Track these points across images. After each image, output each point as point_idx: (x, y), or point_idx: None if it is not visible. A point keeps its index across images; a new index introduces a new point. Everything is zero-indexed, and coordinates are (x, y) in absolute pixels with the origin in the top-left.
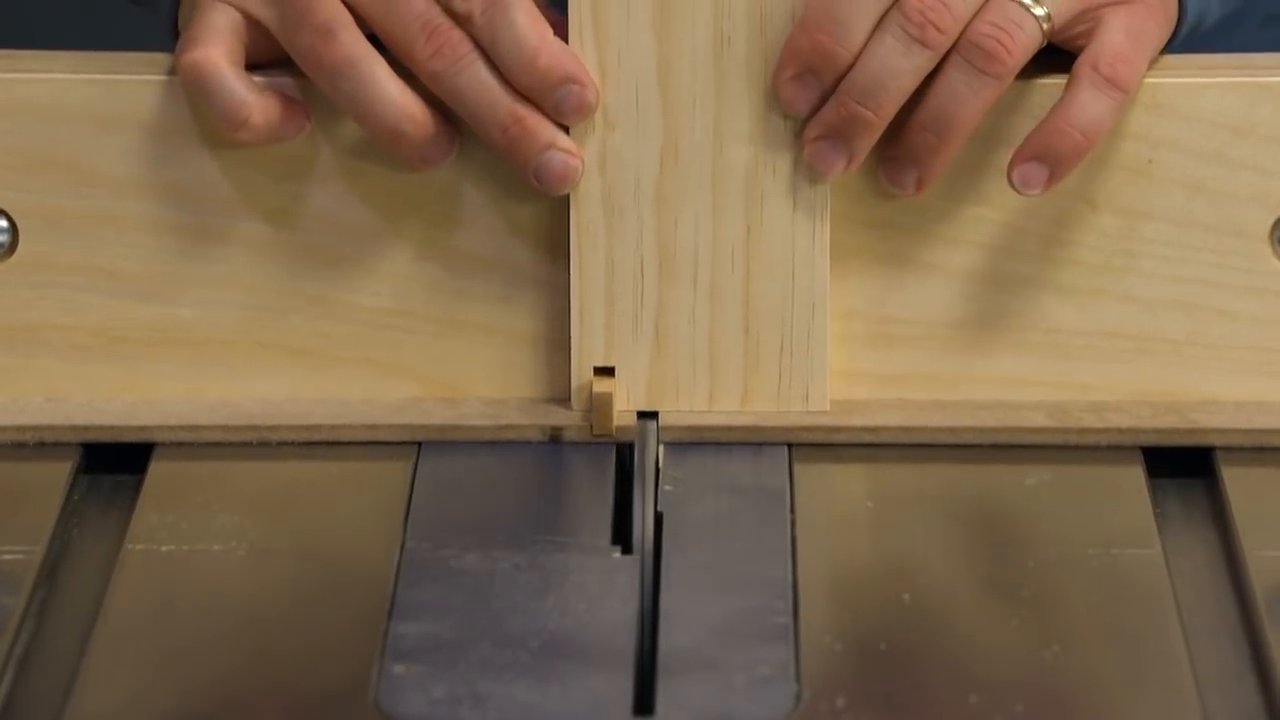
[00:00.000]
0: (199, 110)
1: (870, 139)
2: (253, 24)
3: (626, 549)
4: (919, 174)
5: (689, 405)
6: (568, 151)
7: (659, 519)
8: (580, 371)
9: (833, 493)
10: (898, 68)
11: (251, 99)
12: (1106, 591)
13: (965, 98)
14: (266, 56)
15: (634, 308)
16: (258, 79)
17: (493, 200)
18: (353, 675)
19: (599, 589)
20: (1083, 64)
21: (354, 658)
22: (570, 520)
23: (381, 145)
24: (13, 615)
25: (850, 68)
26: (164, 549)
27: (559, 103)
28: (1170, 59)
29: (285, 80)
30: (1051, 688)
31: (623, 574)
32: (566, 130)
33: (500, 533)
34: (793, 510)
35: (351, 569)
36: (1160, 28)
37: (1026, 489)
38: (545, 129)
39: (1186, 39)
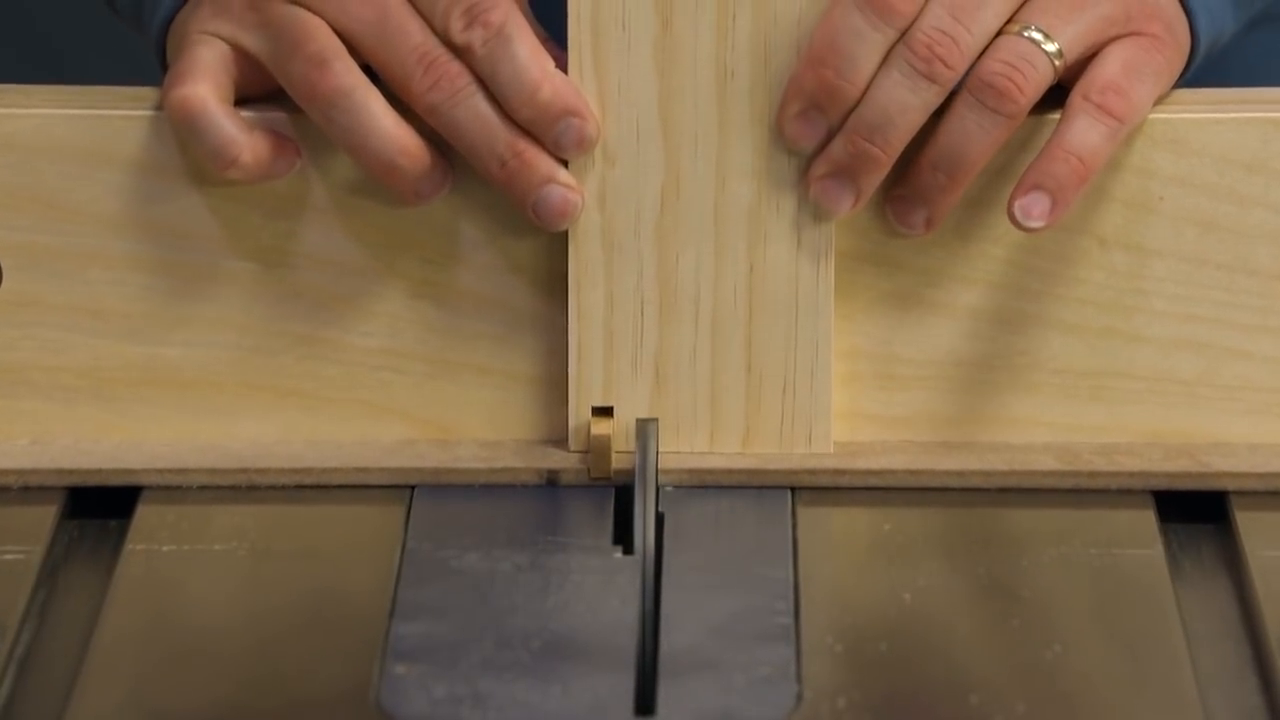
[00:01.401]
0: (187, 147)
1: (878, 176)
2: (242, 56)
3: (627, 549)
4: (929, 213)
5: (689, 446)
6: (567, 186)
7: (660, 519)
8: (578, 411)
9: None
10: (905, 103)
11: (241, 137)
12: (1106, 591)
13: (976, 137)
14: (257, 89)
15: (634, 346)
16: (247, 115)
17: (488, 237)
18: (353, 675)
19: (600, 589)
20: (1074, 94)
21: (355, 658)
22: (571, 520)
23: (375, 179)
24: (13, 616)
25: (856, 103)
26: (165, 549)
27: (559, 136)
28: (1181, 93)
29: (276, 116)
30: (1052, 688)
31: (624, 574)
32: (565, 165)
33: (501, 532)
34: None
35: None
36: (1168, 60)
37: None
38: (544, 163)
39: (1205, 55)
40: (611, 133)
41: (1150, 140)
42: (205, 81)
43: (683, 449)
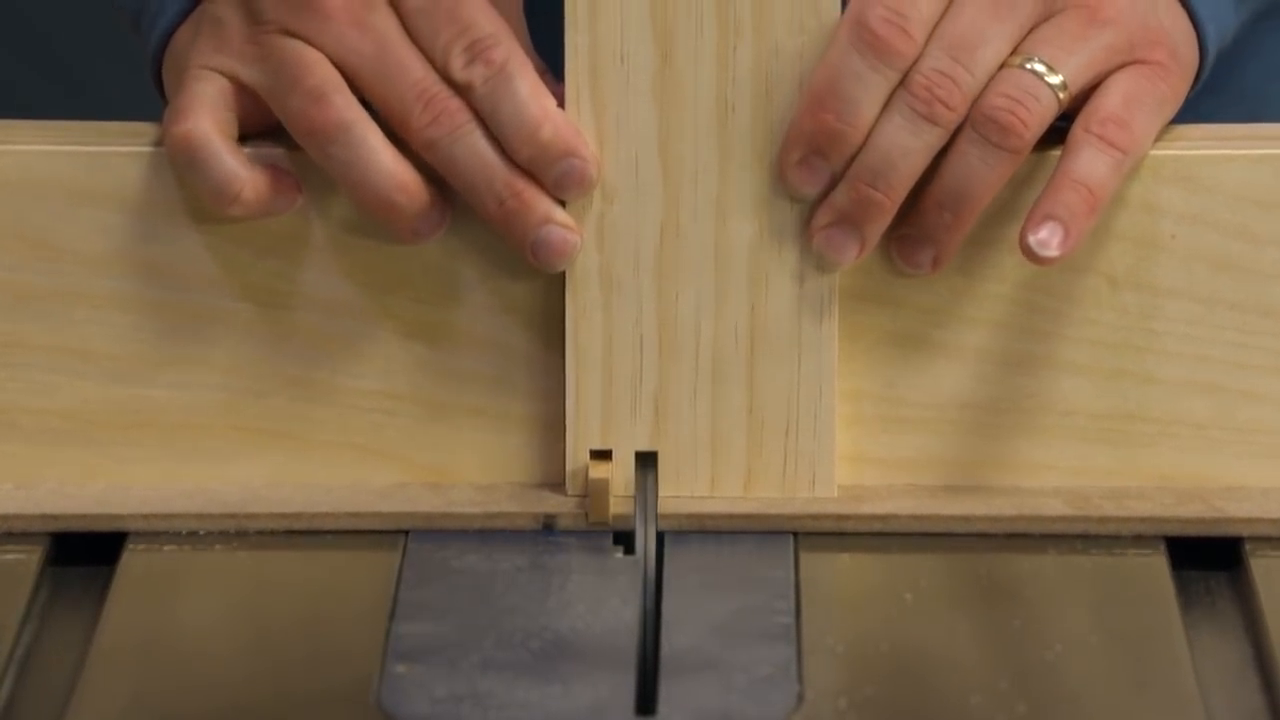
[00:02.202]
0: (178, 183)
1: (883, 223)
2: (241, 91)
3: (628, 549)
4: (935, 252)
5: (690, 490)
6: (565, 227)
7: (659, 536)
8: (576, 454)
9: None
10: (907, 147)
11: (243, 173)
12: (1107, 591)
13: (981, 173)
14: (256, 124)
15: (633, 387)
16: (247, 151)
17: (483, 278)
18: (354, 675)
19: (600, 589)
20: (1076, 126)
21: (355, 658)
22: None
23: (371, 216)
24: (14, 617)
25: (859, 148)
26: (165, 549)
27: (560, 177)
28: (1192, 129)
29: (276, 153)
30: (1053, 689)
31: (624, 574)
32: (563, 204)
33: (502, 532)
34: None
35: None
36: (1172, 88)
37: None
38: (543, 203)
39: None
40: (610, 169)
41: (1161, 178)
42: (206, 117)
43: (683, 493)
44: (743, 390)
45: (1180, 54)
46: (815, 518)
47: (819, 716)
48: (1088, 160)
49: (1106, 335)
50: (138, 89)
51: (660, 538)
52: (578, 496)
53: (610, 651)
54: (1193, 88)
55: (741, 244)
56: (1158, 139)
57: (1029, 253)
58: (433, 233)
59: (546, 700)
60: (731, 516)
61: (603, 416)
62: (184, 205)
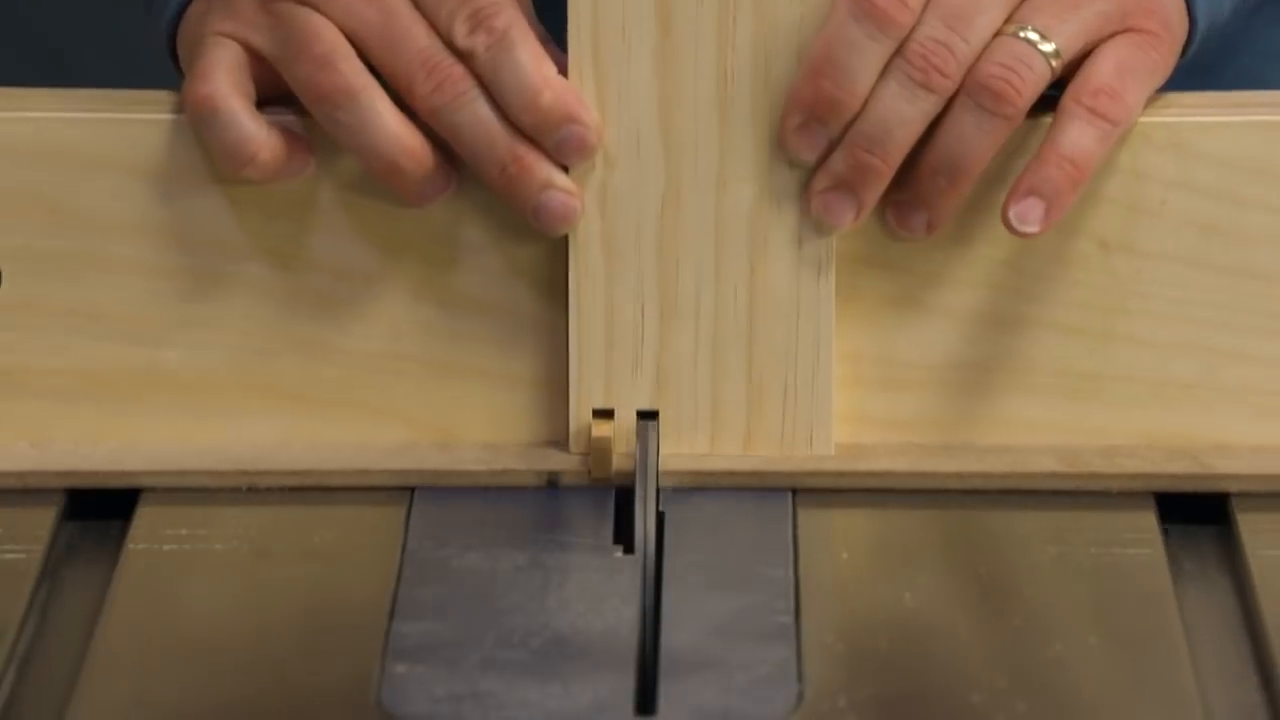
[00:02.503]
0: (191, 149)
1: (879, 187)
2: (254, 57)
3: (628, 548)
4: (929, 217)
5: (690, 449)
6: (566, 192)
7: (660, 518)
8: (579, 414)
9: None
10: (904, 114)
11: (260, 135)
12: (1106, 591)
13: (975, 140)
14: (266, 91)
15: (634, 349)
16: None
17: (490, 240)
18: (354, 675)
19: (601, 588)
20: (1066, 97)
21: (355, 657)
22: (572, 519)
23: (378, 179)
24: (14, 615)
25: (856, 115)
26: (166, 548)
27: (560, 143)
28: (1182, 96)
29: (289, 118)
30: (1053, 688)
31: (624, 573)
32: (565, 170)
33: (502, 531)
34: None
35: (353, 562)
36: (1163, 56)
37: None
38: (544, 168)
39: (1203, 40)
40: (612, 138)
41: (1151, 144)
42: (225, 80)
43: (684, 451)
44: (742, 352)
45: (1171, 23)
46: (813, 474)
47: (819, 716)
48: (1076, 133)
49: (1097, 298)
50: (129, 82)
51: (660, 521)
52: (581, 454)
53: (610, 651)
54: (1181, 58)
55: (741, 210)
56: (1147, 107)
57: (1010, 226)
58: (438, 195)
59: (546, 699)
60: (731, 474)
61: (605, 377)
62: (197, 171)
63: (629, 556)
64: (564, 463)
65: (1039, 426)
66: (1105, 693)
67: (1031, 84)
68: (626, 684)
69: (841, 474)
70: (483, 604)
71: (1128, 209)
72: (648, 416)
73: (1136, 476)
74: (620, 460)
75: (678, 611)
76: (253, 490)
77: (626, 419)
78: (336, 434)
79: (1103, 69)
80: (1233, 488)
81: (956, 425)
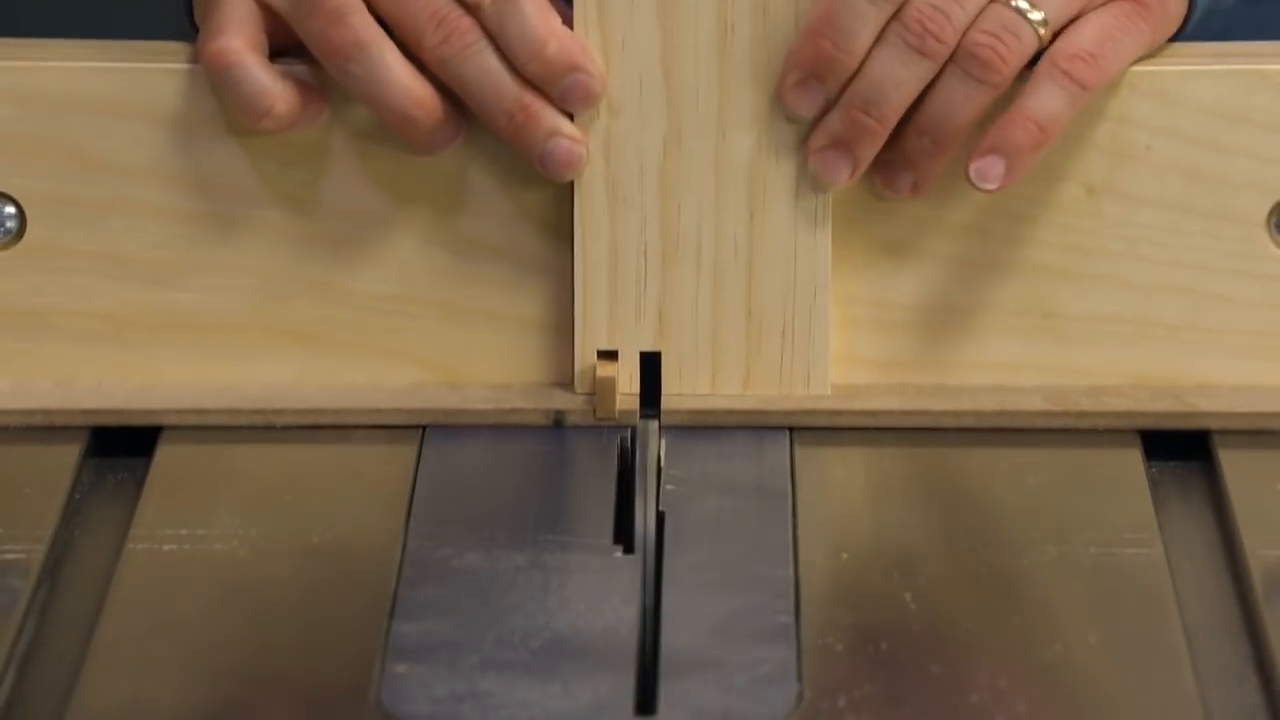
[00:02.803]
0: (210, 98)
1: (874, 147)
2: (268, 11)
3: (628, 548)
4: (915, 177)
5: (691, 389)
6: (572, 138)
7: (660, 518)
8: (584, 355)
9: (834, 477)
10: (899, 77)
11: (275, 87)
12: (1107, 591)
13: (961, 104)
14: (279, 42)
15: (637, 292)
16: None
17: (499, 186)
18: (354, 675)
19: (600, 588)
20: (1044, 59)
21: (355, 657)
22: (572, 519)
23: (390, 129)
24: (15, 613)
25: (853, 75)
26: (166, 548)
27: (565, 91)
28: (1169, 47)
29: (301, 68)
30: (1052, 688)
31: (624, 573)
32: (571, 118)
33: (502, 532)
34: (794, 493)
35: (353, 566)
36: (1151, 28)
37: (1026, 472)
38: (550, 116)
39: (1203, 22)
40: (615, 86)
41: (1137, 91)
42: (239, 34)
43: (685, 390)
44: (742, 294)
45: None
46: (810, 413)
47: (819, 716)
48: (1045, 96)
49: (1084, 241)
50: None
51: (660, 521)
52: (586, 394)
53: (610, 650)
54: (1181, 35)
55: (740, 157)
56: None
57: (971, 182)
58: (448, 144)
59: (546, 699)
60: (730, 412)
61: (609, 319)
62: (216, 119)
63: (629, 556)
64: (569, 402)
65: (1028, 367)
66: (1105, 693)
67: (1018, 52)
68: (626, 684)
69: (838, 412)
70: (483, 604)
71: (1113, 154)
72: (649, 416)
73: (1122, 415)
74: (624, 400)
75: (678, 611)
76: (269, 428)
77: (630, 359)
78: (350, 374)
79: (1084, 34)
80: (1215, 425)
81: (948, 366)
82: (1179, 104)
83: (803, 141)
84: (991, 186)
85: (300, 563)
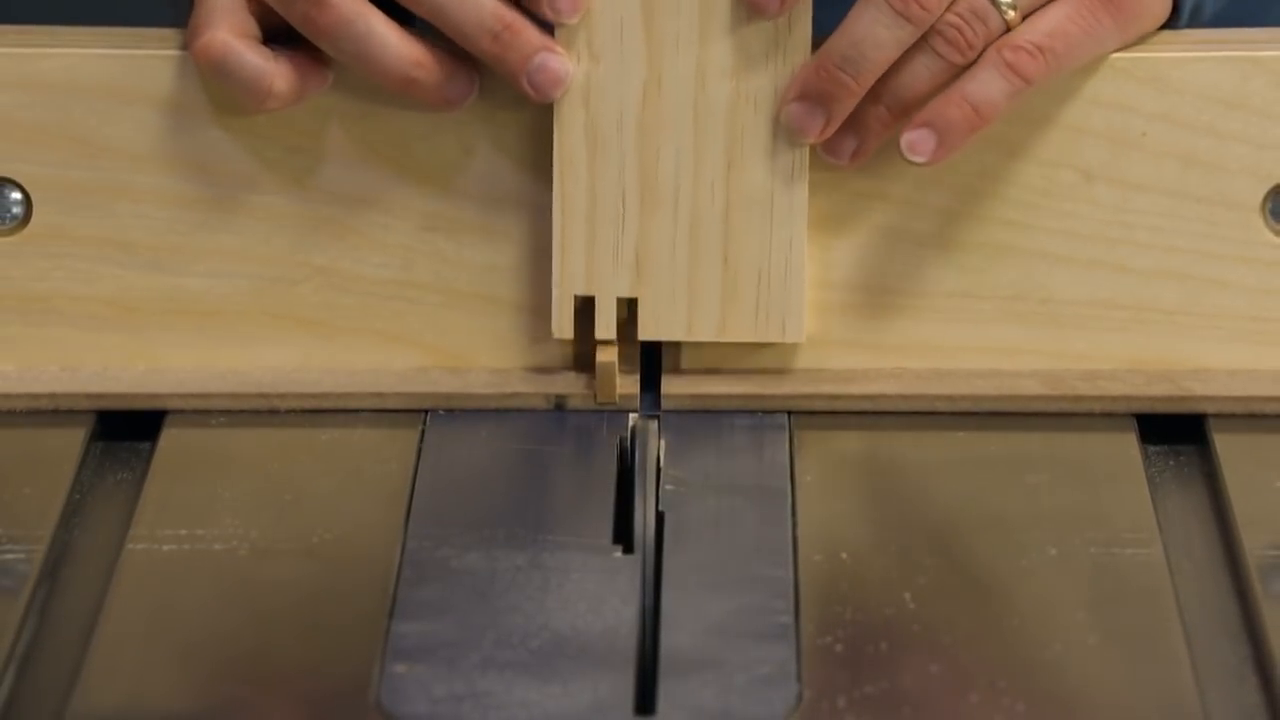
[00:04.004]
0: (216, 86)
1: (847, 105)
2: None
3: (628, 548)
4: (858, 143)
5: (668, 334)
6: (559, 54)
7: (660, 518)
8: (561, 299)
9: (834, 471)
10: (879, 38)
11: (269, 66)
12: (1106, 590)
13: (921, 78)
14: (271, 27)
15: (615, 237)
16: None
17: (502, 171)
18: (353, 675)
19: (600, 588)
20: (990, 47)
21: (355, 657)
22: (572, 519)
23: (398, 94)
24: (15, 614)
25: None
26: (166, 548)
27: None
28: (1165, 34)
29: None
30: (1052, 688)
31: (624, 573)
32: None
33: (501, 531)
34: (793, 492)
35: (353, 566)
36: (1116, 24)
37: (1025, 468)
38: (534, 33)
39: (1193, 19)
40: (596, 31)
41: (1133, 78)
42: (222, 25)
43: (662, 336)
44: (718, 241)
45: None
46: (809, 397)
47: (819, 716)
48: (984, 82)
49: (1081, 227)
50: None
51: (660, 521)
52: (565, 340)
53: (610, 651)
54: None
55: (719, 105)
56: (1126, 47)
57: (901, 152)
58: (462, 99)
59: (546, 700)
60: (730, 396)
61: (586, 264)
62: (220, 105)
63: (629, 556)
64: (570, 386)
65: (1024, 352)
66: (1105, 693)
67: (983, 36)
68: (626, 684)
69: (837, 396)
70: (482, 604)
71: (1110, 140)
72: (650, 416)
73: (1118, 399)
74: (624, 384)
75: (677, 611)
76: (272, 412)
77: (607, 304)
78: (352, 359)
79: (1037, 26)
80: (1210, 409)
81: (946, 351)
82: (1175, 90)
83: (781, 93)
84: (921, 160)
85: (300, 563)
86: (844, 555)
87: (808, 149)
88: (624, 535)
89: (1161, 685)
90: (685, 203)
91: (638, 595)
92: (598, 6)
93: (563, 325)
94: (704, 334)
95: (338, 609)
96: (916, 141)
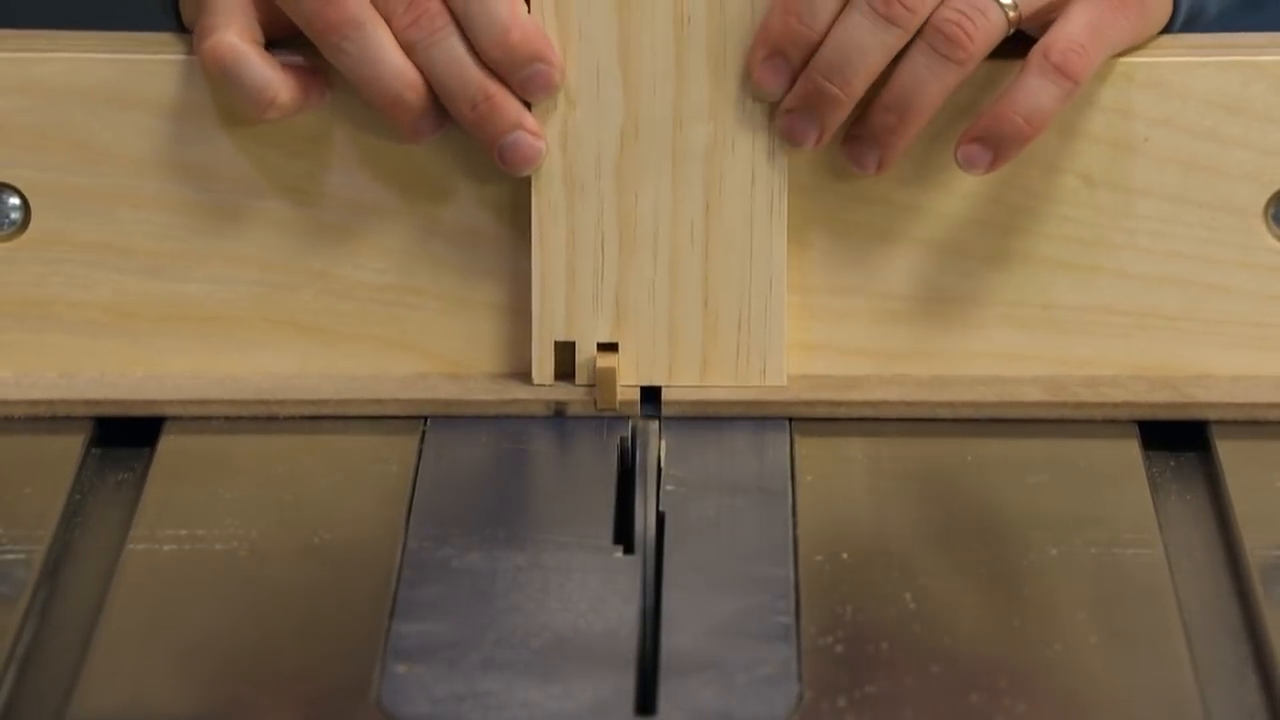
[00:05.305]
0: (213, 90)
1: (839, 114)
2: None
3: (628, 548)
4: (880, 154)
5: (648, 378)
6: (533, 134)
7: (660, 518)
8: (541, 345)
9: (834, 473)
10: (864, 44)
11: (276, 77)
12: (1107, 590)
13: (926, 81)
14: (274, 31)
15: (594, 281)
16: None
17: (502, 177)
18: (354, 675)
19: (601, 588)
20: (1035, 51)
21: (355, 657)
22: (572, 519)
23: (382, 111)
24: (15, 614)
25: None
26: (166, 548)
27: (526, 81)
28: (1166, 39)
29: (299, 58)
30: (1052, 687)
31: (624, 573)
32: (529, 107)
33: (502, 531)
34: (794, 492)
35: (353, 566)
36: (1131, 24)
37: (1026, 470)
38: (512, 108)
39: (1185, 28)
40: (573, 76)
41: (1134, 83)
42: (233, 28)
43: (642, 381)
44: (698, 285)
45: None
46: (810, 404)
47: (819, 716)
48: (1035, 89)
49: (1083, 232)
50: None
51: (660, 521)
52: (586, 385)
53: (610, 651)
54: (1170, 31)
55: (697, 148)
56: (1128, 51)
57: (958, 164)
58: (433, 133)
59: (546, 700)
60: (730, 404)
61: (566, 309)
62: (219, 110)
63: (629, 557)
64: (570, 393)
65: (1026, 358)
66: (1105, 692)
67: (985, 32)
68: (626, 684)
69: (838, 403)
70: (483, 604)
71: (1112, 145)
72: (650, 416)
73: (1120, 406)
74: (625, 392)
75: (678, 612)
76: (272, 419)
77: (587, 350)
78: (352, 365)
79: (1074, 26)
80: (1212, 416)
81: (947, 357)
82: (1177, 95)
83: (759, 133)
84: (978, 173)
85: (300, 563)
86: (845, 555)
87: (785, 191)
88: (625, 535)
89: (1162, 685)
90: (664, 246)
91: (638, 595)
92: (574, 52)
93: (543, 372)
94: (685, 378)
95: (338, 609)
96: (972, 156)
